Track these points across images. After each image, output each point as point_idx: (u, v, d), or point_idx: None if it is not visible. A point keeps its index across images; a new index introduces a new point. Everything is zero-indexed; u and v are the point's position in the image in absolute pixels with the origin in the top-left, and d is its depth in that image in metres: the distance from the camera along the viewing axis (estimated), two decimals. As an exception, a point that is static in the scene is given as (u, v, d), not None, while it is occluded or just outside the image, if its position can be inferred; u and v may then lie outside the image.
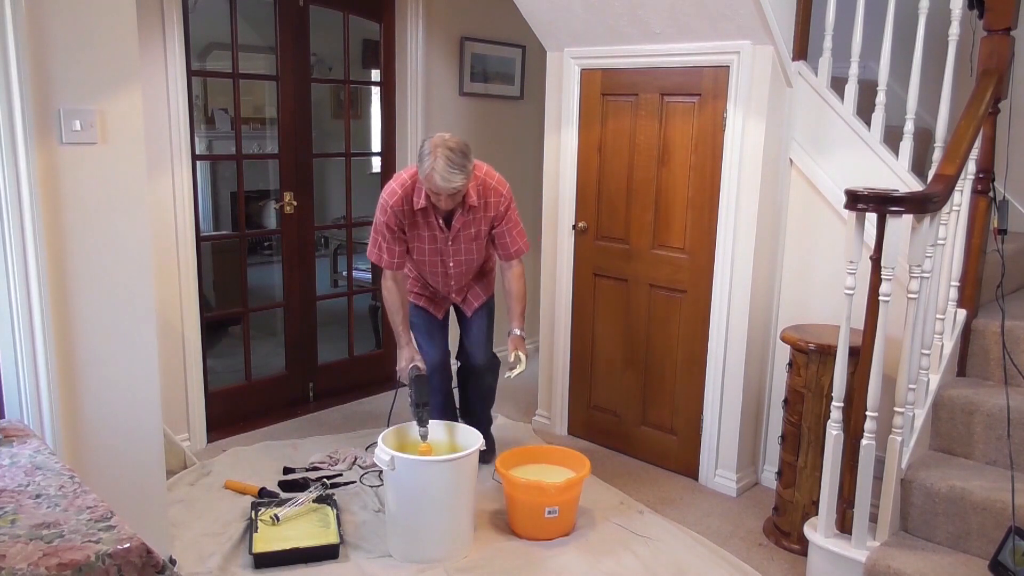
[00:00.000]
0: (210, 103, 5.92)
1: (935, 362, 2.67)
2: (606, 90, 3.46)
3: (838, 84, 3.02)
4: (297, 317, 4.05)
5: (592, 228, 3.61)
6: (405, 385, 3.01)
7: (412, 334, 3.15)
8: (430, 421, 2.83)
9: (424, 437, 2.79)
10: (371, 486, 3.17)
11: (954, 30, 2.71)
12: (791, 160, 3.13)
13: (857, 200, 2.34)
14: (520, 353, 3.04)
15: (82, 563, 1.32)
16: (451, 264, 3.09)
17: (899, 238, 2.31)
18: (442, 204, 2.86)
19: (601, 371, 3.68)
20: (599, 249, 3.60)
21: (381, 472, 2.88)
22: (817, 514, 2.58)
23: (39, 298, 2.07)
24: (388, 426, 2.91)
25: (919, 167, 3.11)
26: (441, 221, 2.97)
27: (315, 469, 3.33)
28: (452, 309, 3.38)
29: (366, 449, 3.52)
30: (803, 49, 3.08)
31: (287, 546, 2.65)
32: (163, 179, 3.27)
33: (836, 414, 2.52)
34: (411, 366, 2.97)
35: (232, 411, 3.82)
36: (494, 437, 3.55)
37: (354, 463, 3.39)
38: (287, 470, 3.32)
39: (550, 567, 2.70)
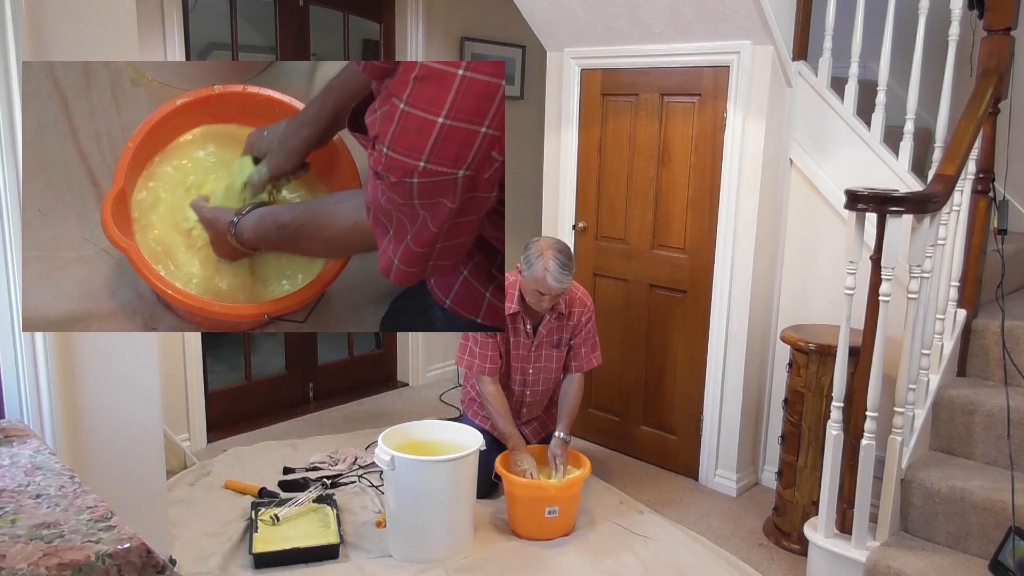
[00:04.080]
0: (210, 103, 5.92)
1: (935, 362, 2.67)
2: (606, 90, 3.46)
3: (838, 84, 3.02)
4: (297, 317, 4.04)
5: (592, 228, 3.61)
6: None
7: None
8: (432, 421, 2.83)
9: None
10: (372, 485, 3.17)
11: (954, 30, 2.71)
12: (791, 160, 3.13)
13: (857, 200, 2.34)
14: (560, 462, 2.92)
15: (82, 563, 1.32)
16: (530, 371, 3.07)
17: (899, 238, 2.31)
18: (544, 305, 2.90)
19: (601, 371, 3.67)
20: (599, 249, 3.60)
21: (381, 472, 2.87)
22: (817, 514, 2.58)
23: (39, 298, 2.06)
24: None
25: (919, 167, 3.10)
26: (529, 327, 3.00)
27: (315, 469, 3.33)
28: None
29: (366, 449, 3.52)
30: (803, 49, 3.08)
31: (287, 546, 2.65)
32: (163, 179, 3.27)
33: (836, 414, 2.52)
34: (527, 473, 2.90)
35: (232, 411, 3.82)
36: None
37: (354, 463, 3.39)
38: (287, 470, 3.32)
39: (550, 567, 2.69)
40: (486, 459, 2.86)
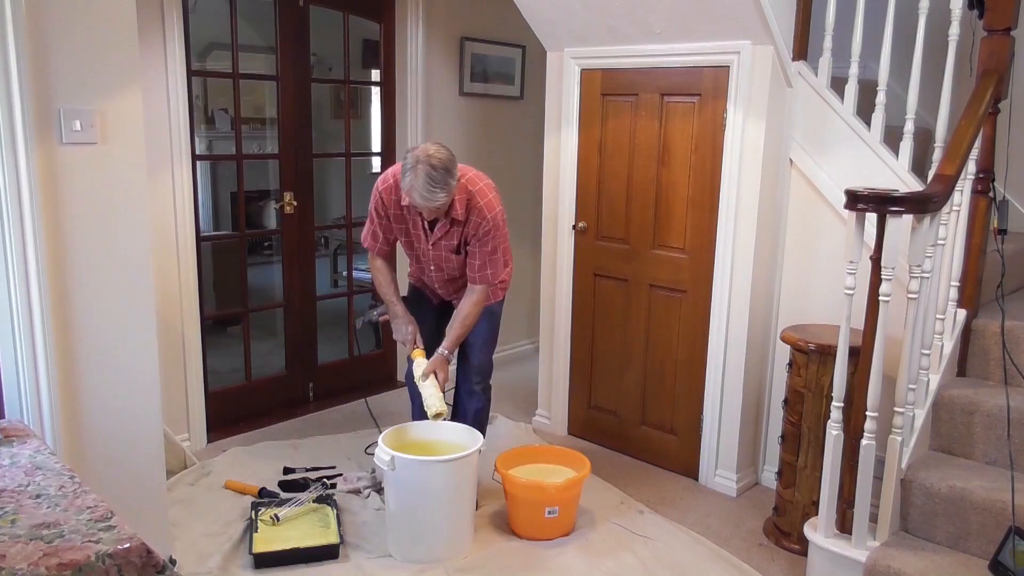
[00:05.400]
0: (210, 103, 5.91)
1: (935, 362, 2.67)
2: (606, 90, 3.46)
3: (838, 84, 3.02)
4: (297, 317, 4.05)
5: (592, 228, 3.61)
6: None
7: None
8: (431, 421, 2.82)
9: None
10: (369, 487, 3.17)
11: (954, 30, 2.71)
12: (791, 160, 3.13)
13: (857, 200, 2.34)
14: (435, 376, 2.84)
15: (82, 563, 1.32)
16: (431, 267, 2.95)
17: (899, 238, 2.31)
18: (424, 215, 2.76)
19: (601, 371, 3.68)
20: (599, 249, 3.60)
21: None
22: (817, 514, 2.58)
23: (39, 298, 2.07)
24: (376, 428, 2.87)
25: (919, 167, 3.10)
26: (425, 224, 2.84)
27: (315, 469, 3.33)
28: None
29: (366, 450, 3.52)
30: (803, 49, 3.08)
31: (287, 546, 2.65)
32: (163, 179, 3.27)
33: (836, 414, 2.52)
34: (413, 338, 2.92)
35: (232, 411, 3.82)
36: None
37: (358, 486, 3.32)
38: (287, 470, 3.32)
39: (550, 567, 2.69)
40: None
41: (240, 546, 2.74)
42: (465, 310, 2.89)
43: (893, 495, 2.45)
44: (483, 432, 2.97)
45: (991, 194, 2.73)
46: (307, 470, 3.32)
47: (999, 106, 2.70)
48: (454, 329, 2.91)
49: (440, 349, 2.91)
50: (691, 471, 3.42)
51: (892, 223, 2.30)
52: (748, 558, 2.79)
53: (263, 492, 3.08)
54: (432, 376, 2.85)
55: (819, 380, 2.74)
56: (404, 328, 2.95)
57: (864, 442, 2.43)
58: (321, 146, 4.65)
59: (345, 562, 2.67)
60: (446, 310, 3.10)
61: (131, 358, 2.29)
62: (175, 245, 3.36)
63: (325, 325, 4.26)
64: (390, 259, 3.03)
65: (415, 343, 2.94)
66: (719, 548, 2.83)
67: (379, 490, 2.98)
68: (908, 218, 2.33)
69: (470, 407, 3.08)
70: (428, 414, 2.79)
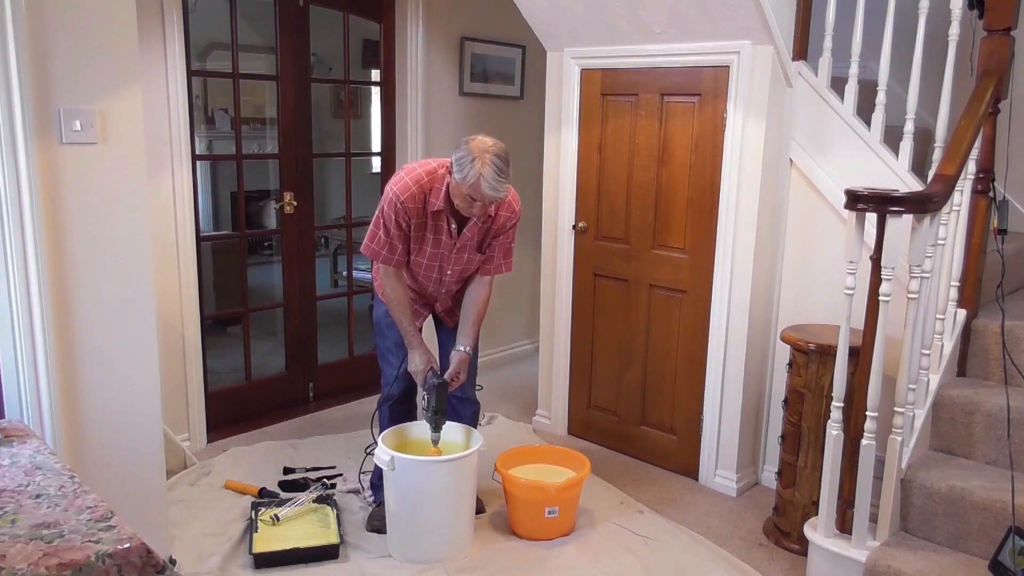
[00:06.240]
0: (210, 103, 5.92)
1: (935, 362, 2.67)
2: (606, 90, 3.46)
3: (838, 84, 3.02)
4: (297, 317, 4.05)
5: (592, 228, 3.61)
6: (388, 402, 2.92)
7: (381, 348, 2.95)
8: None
9: (436, 443, 2.73)
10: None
11: (954, 30, 2.72)
12: (791, 160, 3.13)
13: (857, 200, 2.34)
14: (462, 378, 2.80)
15: (82, 563, 1.32)
16: (448, 272, 2.81)
17: (899, 238, 2.31)
18: (474, 212, 2.61)
19: (601, 371, 3.68)
20: (599, 249, 3.60)
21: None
22: (817, 514, 2.58)
23: (39, 298, 2.07)
24: (373, 441, 2.83)
25: (919, 167, 3.11)
26: (453, 227, 2.71)
27: (315, 469, 3.33)
28: (435, 343, 3.09)
29: (365, 450, 3.51)
30: (803, 49, 3.08)
31: (287, 546, 2.65)
32: (163, 179, 3.27)
33: (836, 414, 2.52)
34: (428, 370, 2.76)
35: (232, 411, 3.82)
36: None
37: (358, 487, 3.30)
38: (287, 470, 3.32)
39: (550, 567, 2.70)
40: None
41: (240, 546, 2.74)
42: (481, 302, 2.86)
43: (893, 495, 2.45)
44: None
45: (991, 194, 2.73)
46: (307, 470, 3.32)
47: (999, 106, 2.70)
48: (471, 322, 2.84)
49: (461, 347, 2.82)
50: (691, 471, 3.42)
51: (892, 223, 2.31)
52: (748, 558, 2.79)
53: (263, 492, 3.08)
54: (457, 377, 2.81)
55: (819, 380, 2.74)
56: (419, 358, 2.76)
57: (864, 442, 2.43)
58: (321, 146, 4.65)
59: (345, 562, 2.67)
60: None
61: (131, 358, 2.29)
62: (175, 245, 3.36)
63: (325, 325, 4.26)
64: (403, 275, 2.87)
65: (430, 368, 2.79)
66: (719, 548, 2.83)
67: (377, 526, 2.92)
68: (908, 218, 2.33)
69: (466, 412, 3.02)
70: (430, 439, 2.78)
